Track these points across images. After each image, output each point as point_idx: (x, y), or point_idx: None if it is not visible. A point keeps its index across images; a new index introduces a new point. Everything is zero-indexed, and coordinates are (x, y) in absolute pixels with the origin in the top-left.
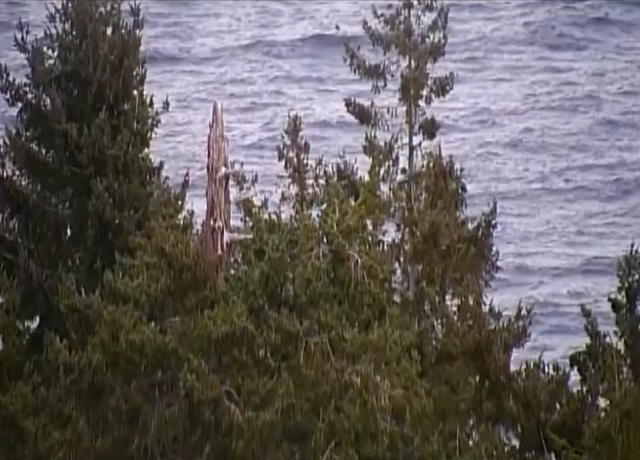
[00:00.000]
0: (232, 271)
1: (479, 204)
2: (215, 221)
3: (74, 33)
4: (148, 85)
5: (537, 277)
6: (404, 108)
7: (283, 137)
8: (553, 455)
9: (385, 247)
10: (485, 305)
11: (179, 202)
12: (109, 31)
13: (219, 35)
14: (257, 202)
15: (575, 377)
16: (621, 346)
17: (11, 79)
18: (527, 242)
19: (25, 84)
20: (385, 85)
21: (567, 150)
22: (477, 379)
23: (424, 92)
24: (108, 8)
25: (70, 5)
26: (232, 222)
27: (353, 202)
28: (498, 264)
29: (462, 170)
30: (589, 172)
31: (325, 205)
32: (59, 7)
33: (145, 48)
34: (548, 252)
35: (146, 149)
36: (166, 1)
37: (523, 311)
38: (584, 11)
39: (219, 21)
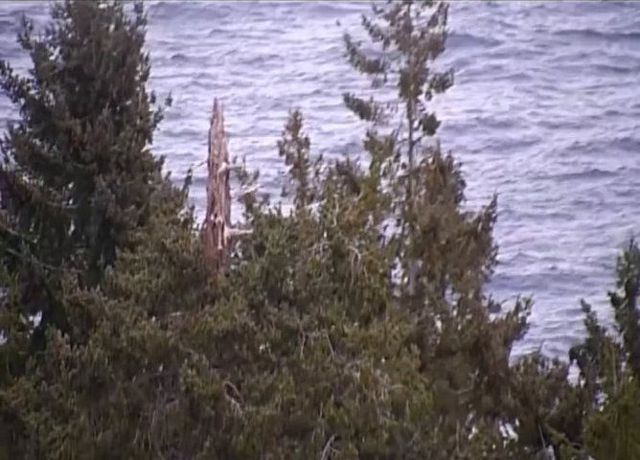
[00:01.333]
0: (232, 267)
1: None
2: (215, 217)
3: (76, 29)
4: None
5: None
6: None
7: (283, 133)
8: (551, 449)
9: (385, 242)
10: (484, 299)
11: (180, 197)
12: (112, 27)
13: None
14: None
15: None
16: (620, 340)
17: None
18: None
19: (28, 80)
20: (385, 81)
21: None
22: (476, 373)
23: (424, 88)
24: (111, 4)
25: (72, 1)
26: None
27: (354, 197)
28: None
29: (460, 164)
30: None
31: (325, 200)
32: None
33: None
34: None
35: (148, 145)
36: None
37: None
38: None
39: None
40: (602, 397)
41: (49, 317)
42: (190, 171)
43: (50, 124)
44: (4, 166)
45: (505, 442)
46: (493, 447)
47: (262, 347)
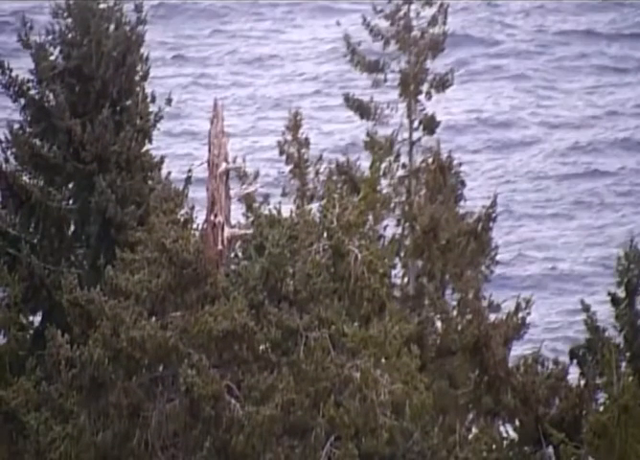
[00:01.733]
0: (232, 267)
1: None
2: (215, 217)
3: (76, 29)
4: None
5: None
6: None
7: (283, 133)
8: (551, 449)
9: (386, 242)
10: (484, 299)
11: (180, 197)
12: (112, 27)
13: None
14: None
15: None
16: (620, 340)
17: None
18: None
19: (28, 80)
20: (385, 81)
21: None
22: (476, 373)
23: (424, 88)
24: (111, 4)
25: (72, 1)
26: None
27: (354, 198)
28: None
29: (460, 164)
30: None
31: (325, 200)
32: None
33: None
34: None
35: (148, 145)
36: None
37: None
38: None
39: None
40: (602, 397)
41: (49, 317)
42: (190, 171)
43: (50, 124)
44: (4, 166)
45: (505, 442)
46: (493, 447)
47: (262, 347)
